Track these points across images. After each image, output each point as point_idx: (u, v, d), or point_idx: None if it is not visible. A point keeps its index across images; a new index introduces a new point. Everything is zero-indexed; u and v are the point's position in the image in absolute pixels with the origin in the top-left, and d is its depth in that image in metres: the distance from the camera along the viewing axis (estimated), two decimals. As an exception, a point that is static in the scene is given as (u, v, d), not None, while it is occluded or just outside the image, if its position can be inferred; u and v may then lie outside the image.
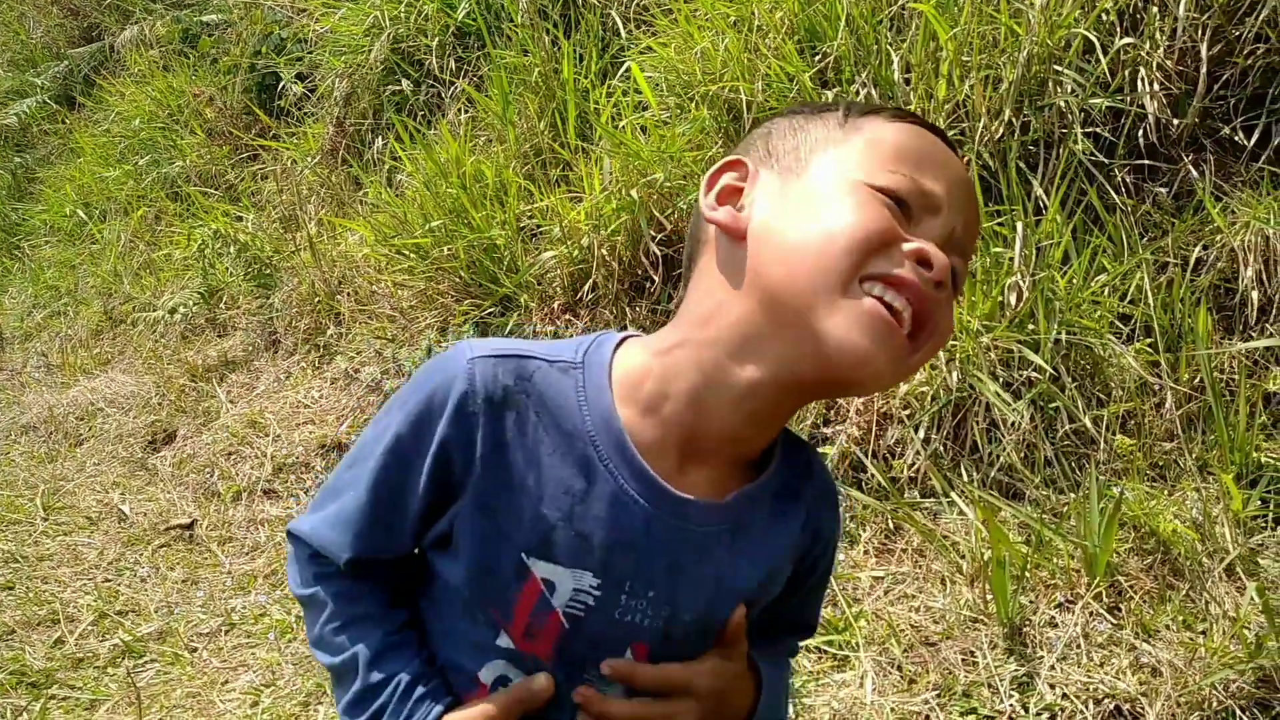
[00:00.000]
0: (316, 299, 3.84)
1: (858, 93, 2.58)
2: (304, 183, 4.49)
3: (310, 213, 4.32)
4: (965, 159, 2.42)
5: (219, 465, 3.38)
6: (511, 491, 0.84)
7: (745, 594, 0.89)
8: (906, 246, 0.80)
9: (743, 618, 0.89)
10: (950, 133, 2.46)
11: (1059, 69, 2.41)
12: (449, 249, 3.27)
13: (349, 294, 3.73)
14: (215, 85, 5.48)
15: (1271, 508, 1.92)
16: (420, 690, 0.87)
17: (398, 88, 4.05)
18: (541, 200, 3.18)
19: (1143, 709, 1.60)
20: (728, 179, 0.88)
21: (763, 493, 0.89)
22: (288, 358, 3.89)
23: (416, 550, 0.91)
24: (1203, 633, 1.71)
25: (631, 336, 0.91)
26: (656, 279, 2.85)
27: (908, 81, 2.57)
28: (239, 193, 4.97)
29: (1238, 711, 1.53)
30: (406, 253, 3.47)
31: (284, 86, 4.91)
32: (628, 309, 2.93)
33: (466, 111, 3.76)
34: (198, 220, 4.75)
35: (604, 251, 2.92)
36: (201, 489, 3.33)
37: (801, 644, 1.08)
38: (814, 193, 0.83)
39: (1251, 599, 1.70)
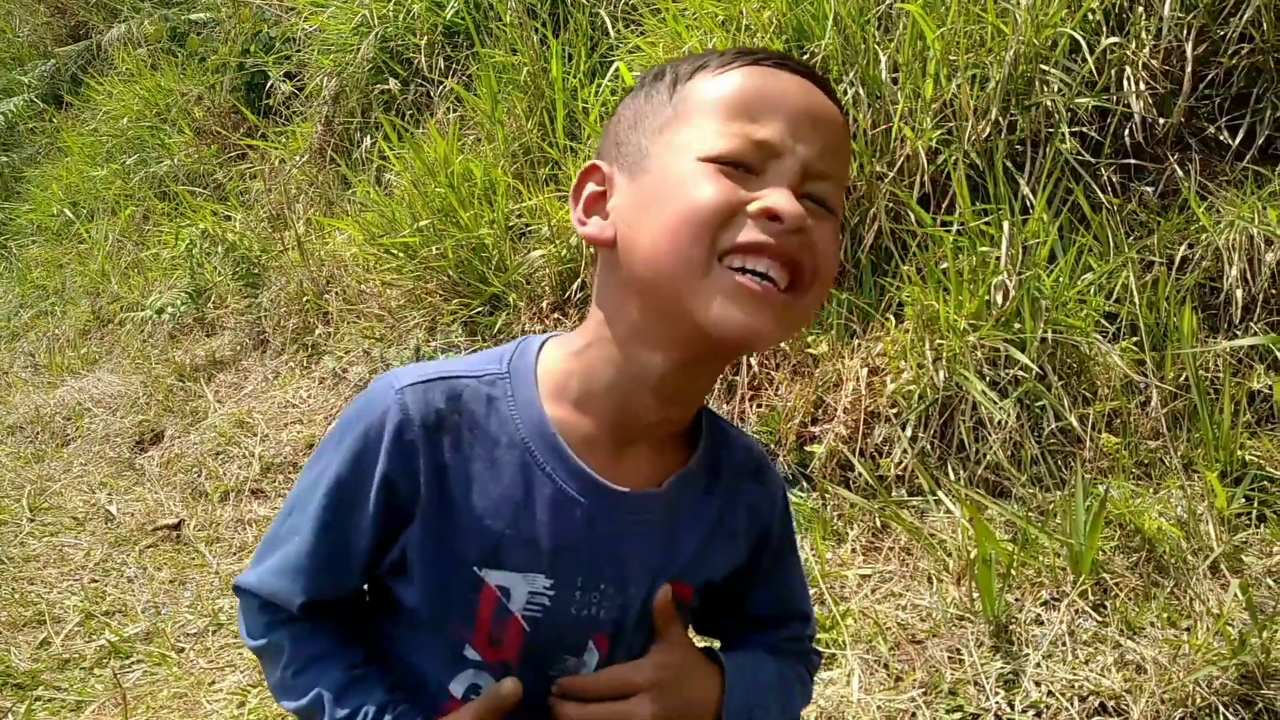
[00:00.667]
0: (305, 298, 3.83)
1: (845, 92, 2.59)
2: (292, 182, 4.48)
3: (298, 212, 4.31)
4: (954, 158, 2.43)
5: (206, 465, 3.36)
6: (456, 510, 0.85)
7: (692, 574, 0.92)
8: (752, 207, 0.79)
9: (668, 599, 0.90)
10: (938, 132, 2.47)
11: (1045, 68, 2.41)
12: (437, 248, 3.27)
13: (337, 293, 3.72)
14: (203, 84, 5.46)
15: (1255, 505, 1.93)
16: (388, 718, 0.88)
17: (386, 87, 4.04)
18: (530, 199, 3.18)
19: (1127, 706, 1.61)
20: (590, 189, 0.89)
21: (695, 473, 0.92)
22: (276, 357, 3.88)
23: (366, 585, 0.94)
24: (1187, 630, 1.72)
25: (551, 338, 0.93)
26: (645, 278, 2.84)
27: (895, 80, 2.57)
28: (227, 192, 4.95)
29: (1221, 708, 1.54)
30: (395, 252, 3.47)
31: (272, 85, 4.89)
32: (616, 308, 2.92)
33: (455, 111, 3.75)
34: (186, 220, 4.73)
35: (592, 251, 2.92)
36: (189, 489, 3.31)
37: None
38: (656, 184, 0.83)
39: (1235, 596, 1.70)
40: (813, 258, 0.81)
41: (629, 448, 0.88)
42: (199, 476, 3.34)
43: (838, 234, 0.85)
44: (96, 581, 2.83)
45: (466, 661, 0.88)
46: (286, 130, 4.75)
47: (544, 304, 3.05)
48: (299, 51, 4.78)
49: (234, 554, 2.91)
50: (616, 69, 3.07)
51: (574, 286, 2.97)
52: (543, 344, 0.92)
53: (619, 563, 0.88)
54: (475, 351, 0.93)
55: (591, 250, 2.91)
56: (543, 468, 0.86)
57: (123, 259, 5.25)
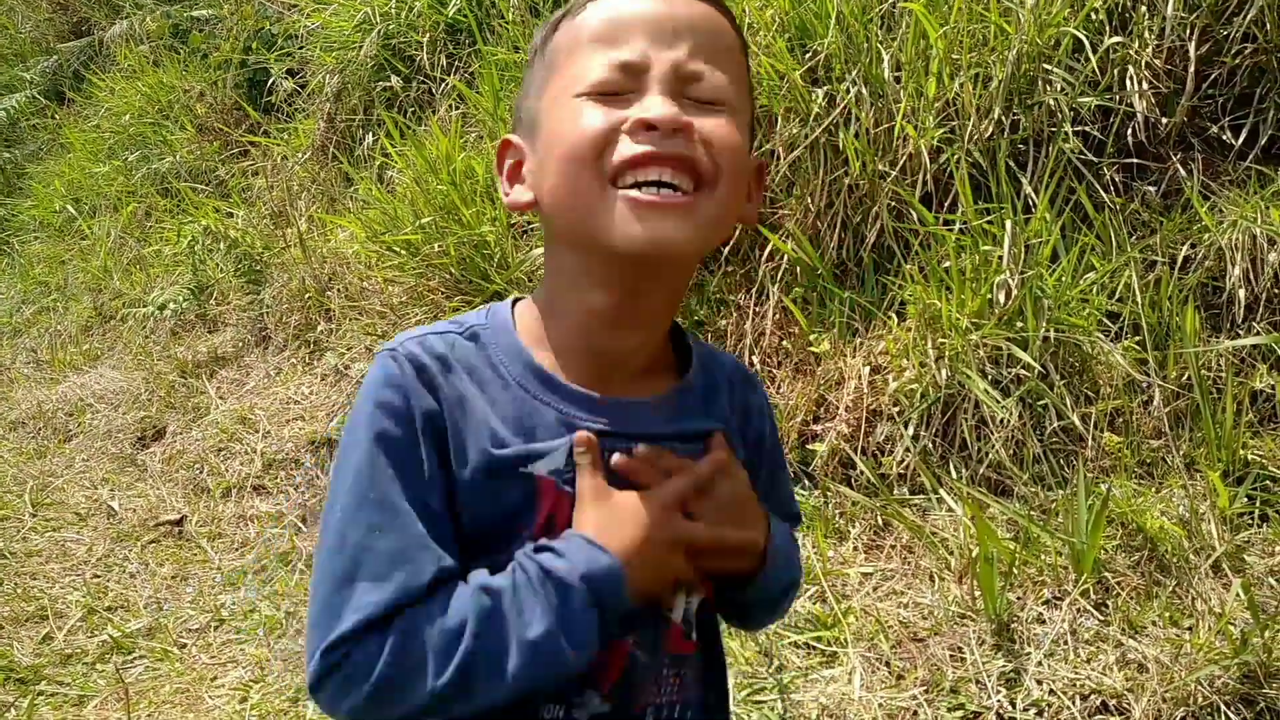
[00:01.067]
0: (307, 295, 3.83)
1: (848, 91, 2.59)
2: (294, 179, 4.48)
3: (300, 209, 4.31)
4: (957, 157, 2.43)
5: (208, 461, 3.37)
6: (480, 435, 0.85)
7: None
8: (626, 126, 0.81)
9: (722, 439, 0.92)
10: (940, 131, 2.47)
11: (1048, 68, 2.41)
12: (439, 245, 3.27)
13: (339, 290, 3.72)
14: (205, 81, 5.46)
15: (1257, 505, 1.93)
16: (540, 554, 0.82)
17: (388, 84, 4.04)
18: (532, 197, 3.18)
19: (1129, 705, 1.61)
20: (509, 164, 0.93)
21: (691, 386, 0.94)
22: (278, 354, 3.88)
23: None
24: (1189, 629, 1.72)
25: (519, 298, 0.95)
26: (647, 276, 2.85)
27: (898, 79, 2.57)
28: (229, 189, 4.95)
29: (1223, 707, 1.54)
30: (397, 249, 3.47)
31: (274, 82, 4.89)
32: (618, 306, 2.92)
33: (457, 108, 3.75)
34: (188, 216, 4.73)
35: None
36: (191, 485, 3.32)
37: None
38: (547, 135, 0.87)
39: (1237, 595, 1.71)
40: (710, 154, 0.82)
41: (615, 379, 0.89)
42: (201, 472, 3.34)
43: (738, 128, 0.86)
44: (99, 577, 2.84)
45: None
46: (289, 127, 4.75)
47: (546, 301, 3.05)
48: (301, 48, 4.78)
49: (236, 550, 2.92)
50: (619, 67, 3.07)
51: (576, 284, 2.97)
52: (514, 303, 0.94)
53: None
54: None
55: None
56: (539, 398, 0.87)
57: (125, 255, 5.25)
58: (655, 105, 0.81)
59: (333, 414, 3.29)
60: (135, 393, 4.08)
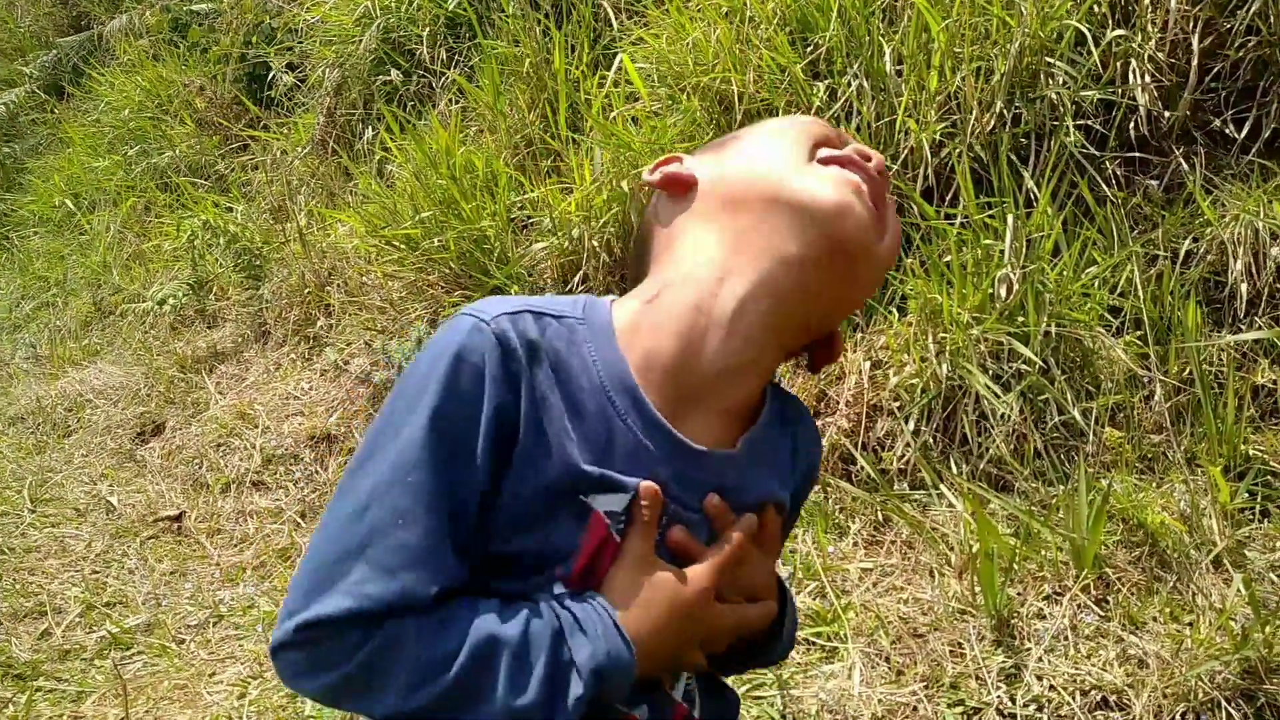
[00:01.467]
0: (306, 290, 3.82)
1: (849, 85, 2.57)
2: (294, 173, 4.47)
3: (300, 204, 4.31)
4: (958, 151, 2.42)
5: (208, 457, 3.36)
6: (550, 444, 0.79)
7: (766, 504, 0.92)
8: (849, 148, 0.90)
9: (774, 517, 0.91)
10: (941, 125, 2.46)
11: (1051, 61, 2.40)
12: (439, 240, 3.26)
13: (339, 285, 3.72)
14: (205, 75, 5.45)
15: (1259, 500, 1.92)
16: (560, 592, 0.79)
17: (388, 78, 4.03)
18: (532, 191, 3.17)
19: (1129, 700, 1.60)
20: (667, 167, 0.93)
21: (763, 432, 0.92)
22: (277, 349, 3.87)
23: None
24: (1189, 624, 1.71)
25: (614, 298, 0.91)
26: (647, 270, 2.84)
27: (899, 73, 2.56)
28: (229, 183, 4.94)
29: (1223, 702, 1.54)
30: (396, 244, 3.46)
31: (274, 76, 4.88)
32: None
33: (457, 102, 3.74)
34: (187, 211, 4.73)
35: (594, 243, 2.91)
36: (190, 481, 3.31)
37: None
38: (747, 134, 0.95)
39: (1238, 590, 1.70)
40: (889, 209, 0.89)
41: (690, 410, 0.85)
42: (200, 468, 3.34)
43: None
44: (97, 573, 2.84)
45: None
46: (288, 122, 4.74)
47: (545, 296, 3.04)
48: (301, 43, 4.77)
49: (235, 546, 2.91)
50: (620, 61, 3.06)
51: (575, 279, 2.96)
52: (610, 303, 0.90)
53: (698, 510, 0.87)
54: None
55: (595, 243, 2.90)
56: (623, 419, 0.82)
57: (124, 250, 5.25)
58: (874, 151, 0.92)
59: (332, 409, 3.29)
60: (134, 388, 4.08)
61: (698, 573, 0.83)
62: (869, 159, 0.89)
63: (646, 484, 0.81)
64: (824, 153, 0.88)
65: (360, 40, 4.18)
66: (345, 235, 3.84)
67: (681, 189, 0.90)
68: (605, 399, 0.82)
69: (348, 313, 3.58)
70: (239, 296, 4.28)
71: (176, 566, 2.83)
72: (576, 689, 0.75)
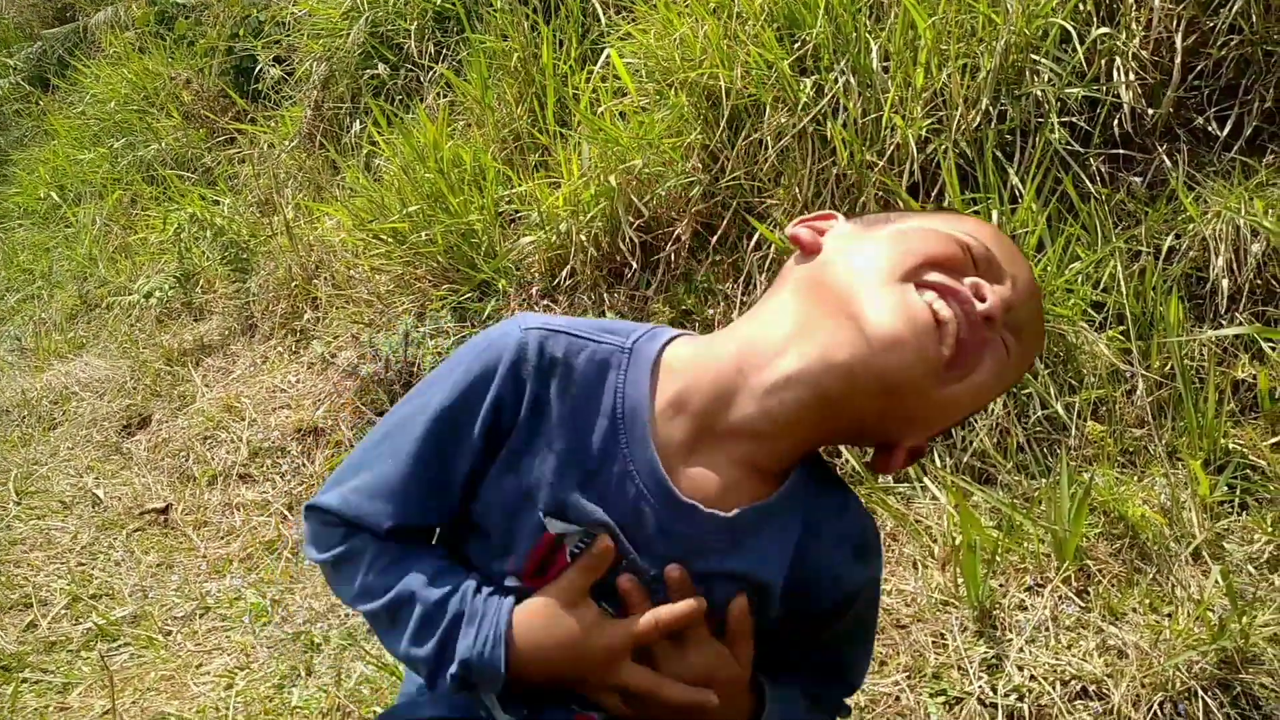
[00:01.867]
0: (293, 283, 3.81)
1: (836, 81, 2.59)
2: (281, 167, 4.46)
3: (287, 197, 4.30)
4: (944, 147, 2.43)
5: (194, 449, 3.36)
6: (539, 454, 0.87)
7: (740, 585, 0.91)
8: (967, 280, 0.84)
9: (744, 608, 0.90)
10: (927, 121, 2.47)
11: (1036, 58, 2.42)
12: (426, 234, 3.26)
13: (326, 279, 3.71)
14: (191, 68, 5.42)
15: (1238, 493, 1.95)
16: (488, 590, 0.89)
17: (376, 72, 4.03)
18: (520, 185, 3.17)
19: (1108, 690, 1.63)
20: (814, 222, 0.95)
21: (770, 514, 0.90)
22: (264, 342, 3.87)
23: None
24: (1168, 616, 1.74)
25: (684, 334, 0.95)
26: (635, 265, 2.85)
27: (886, 69, 2.57)
28: (215, 176, 4.93)
29: (1200, 692, 1.56)
30: (384, 237, 3.46)
31: (261, 70, 4.87)
32: (606, 295, 2.92)
33: (445, 96, 3.74)
34: (174, 204, 4.71)
35: (582, 237, 2.92)
36: (177, 473, 3.31)
37: (847, 704, 1.05)
38: (892, 230, 0.91)
39: (1216, 582, 1.72)
40: (982, 358, 0.84)
41: (703, 454, 0.87)
42: (187, 461, 3.33)
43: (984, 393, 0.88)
44: (84, 565, 2.83)
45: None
46: (275, 115, 4.73)
47: (533, 290, 3.04)
48: (288, 36, 4.76)
49: (222, 538, 2.91)
50: (608, 55, 3.07)
51: (563, 273, 2.97)
52: (673, 338, 0.94)
53: (670, 559, 0.88)
54: (467, 338, 0.96)
55: (582, 237, 2.91)
56: (624, 451, 0.87)
57: (110, 243, 5.22)
58: (995, 291, 0.86)
59: (319, 402, 3.29)
60: (120, 381, 4.06)
61: (616, 627, 0.87)
62: (983, 298, 0.83)
63: (603, 541, 0.87)
64: (931, 275, 0.84)
65: (348, 34, 4.17)
66: (332, 229, 3.84)
67: (806, 251, 0.92)
68: (615, 427, 0.87)
69: (335, 306, 3.58)
70: (225, 289, 4.27)
71: (163, 559, 2.83)
72: (451, 667, 0.87)
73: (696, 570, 0.89)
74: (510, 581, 0.90)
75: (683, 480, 0.87)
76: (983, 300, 0.83)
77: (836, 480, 0.98)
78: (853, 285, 0.83)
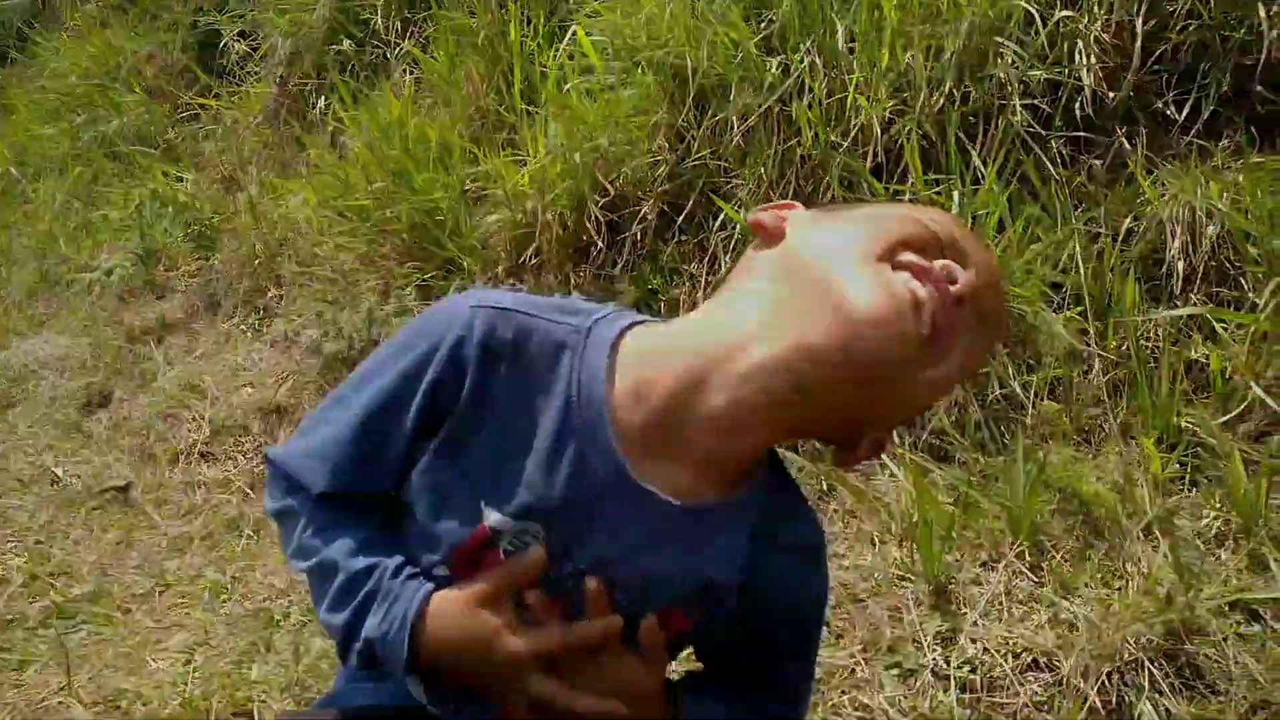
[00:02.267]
0: (257, 261, 3.78)
1: (802, 61, 2.59)
2: (245, 143, 4.41)
3: (252, 174, 4.25)
4: (908, 128, 2.45)
5: (155, 428, 3.32)
6: (479, 440, 0.85)
7: (679, 595, 0.88)
8: (938, 262, 0.83)
9: (654, 626, 0.87)
10: (892, 103, 2.49)
11: (1000, 40, 2.43)
12: (391, 211, 3.24)
13: (290, 256, 3.68)
14: (155, 42, 5.34)
15: (1189, 471, 1.98)
16: (408, 572, 0.89)
17: (341, 48, 3.98)
18: (486, 164, 3.16)
19: (1059, 662, 1.66)
20: (775, 211, 0.93)
21: (727, 511, 0.88)
22: (227, 320, 3.83)
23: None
24: (1119, 590, 1.77)
25: (642, 321, 0.91)
26: (600, 244, 2.85)
27: (852, 50, 2.58)
28: (179, 153, 4.85)
29: (1146, 663, 1.59)
30: (349, 215, 3.43)
31: (226, 45, 4.80)
32: (572, 274, 2.92)
33: (411, 73, 3.71)
34: (136, 181, 4.64)
35: (548, 216, 2.91)
36: (138, 452, 3.27)
37: None
38: (857, 214, 0.92)
39: (1165, 556, 1.75)
40: (955, 338, 0.82)
41: (662, 453, 0.84)
42: (148, 439, 3.30)
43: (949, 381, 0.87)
44: (41, 543, 2.80)
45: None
46: (240, 91, 4.67)
47: (499, 269, 3.03)
48: (253, 10, 4.69)
49: (183, 516, 2.89)
50: (574, 33, 3.05)
51: (529, 251, 2.96)
52: (633, 324, 0.90)
53: (613, 551, 0.86)
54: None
55: (548, 216, 2.90)
56: (576, 434, 0.84)
57: (71, 220, 5.13)
58: (966, 273, 0.84)
59: (282, 381, 3.26)
60: (81, 359, 4.01)
61: (524, 636, 0.86)
62: (955, 280, 0.82)
63: (535, 551, 0.85)
64: (905, 256, 0.82)
65: (314, 9, 4.13)
66: (297, 206, 3.79)
67: (769, 238, 0.89)
68: (567, 411, 0.84)
69: (299, 284, 3.55)
70: (188, 267, 4.22)
71: (123, 537, 2.80)
72: (358, 644, 0.88)
73: (643, 569, 0.86)
74: (439, 571, 0.89)
75: (638, 473, 0.84)
76: (954, 282, 0.82)
77: (791, 482, 0.96)
78: (828, 266, 0.81)
